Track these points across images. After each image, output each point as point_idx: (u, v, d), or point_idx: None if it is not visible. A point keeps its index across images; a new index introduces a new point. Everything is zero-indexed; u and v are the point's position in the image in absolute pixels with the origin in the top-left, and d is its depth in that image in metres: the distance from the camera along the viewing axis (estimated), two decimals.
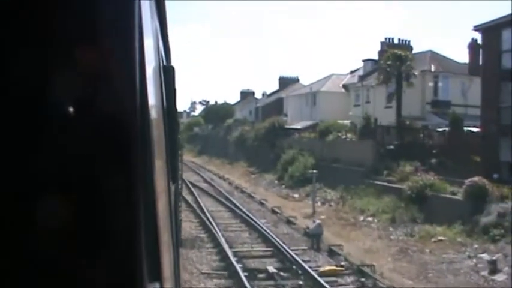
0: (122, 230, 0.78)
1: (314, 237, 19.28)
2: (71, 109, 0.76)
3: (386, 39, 53.16)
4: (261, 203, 30.18)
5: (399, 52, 41.82)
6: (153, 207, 1.10)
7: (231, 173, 47.71)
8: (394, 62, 41.88)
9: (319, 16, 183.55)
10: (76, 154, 0.76)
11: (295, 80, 75.05)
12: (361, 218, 25.46)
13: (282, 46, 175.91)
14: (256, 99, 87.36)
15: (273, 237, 20.31)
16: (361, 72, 54.62)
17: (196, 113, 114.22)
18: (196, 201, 29.71)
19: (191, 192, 33.23)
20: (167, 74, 2.37)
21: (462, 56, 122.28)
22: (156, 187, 1.12)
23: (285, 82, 74.66)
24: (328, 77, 55.20)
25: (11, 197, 0.75)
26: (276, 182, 39.70)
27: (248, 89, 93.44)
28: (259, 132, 49.93)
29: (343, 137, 36.30)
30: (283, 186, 37.64)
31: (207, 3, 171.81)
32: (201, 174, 45.60)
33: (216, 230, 21.52)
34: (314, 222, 19.83)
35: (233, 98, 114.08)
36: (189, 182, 38.79)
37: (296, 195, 33.76)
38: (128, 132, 0.79)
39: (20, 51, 0.77)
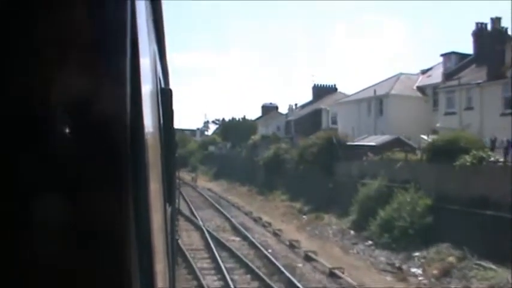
0: (113, 248, 0.75)
1: None
2: (61, 127, 0.72)
3: (478, 24, 36.23)
4: None
5: None
6: (146, 228, 1.01)
7: (267, 210, 30.32)
8: None
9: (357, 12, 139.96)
10: (65, 173, 0.72)
11: (333, 89, 58.08)
12: None
13: (308, 55, 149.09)
14: (280, 113, 70.73)
15: None
16: (439, 70, 37.47)
17: (209, 132, 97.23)
18: None
19: (217, 267, 15.89)
20: (165, 96, 2.32)
21: None
22: (149, 208, 1.06)
23: (321, 92, 57.72)
24: (396, 78, 37.99)
25: (5, 197, 0.72)
26: (353, 232, 22.31)
27: (271, 103, 76.77)
28: (306, 151, 32.65)
29: (491, 159, 18.90)
30: (371, 242, 20.30)
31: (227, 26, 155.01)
32: (224, 212, 28.24)
33: None
34: None
35: (251, 114, 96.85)
36: (208, 231, 21.49)
37: (417, 271, 16.36)
38: (119, 152, 0.75)
39: (14, 58, 0.73)
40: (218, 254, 17.29)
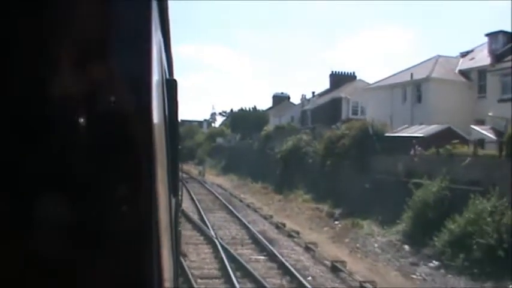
0: (127, 237, 0.75)
1: None
2: (76, 116, 0.72)
3: None
4: None
5: None
6: (155, 218, 0.98)
7: (290, 214, 25.12)
8: None
9: None
10: (81, 160, 0.72)
11: (352, 77, 52.72)
12: None
13: (322, 41, 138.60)
14: (292, 103, 65.65)
15: None
16: (483, 52, 32.07)
17: (217, 124, 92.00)
18: None
19: None
20: (169, 87, 2.26)
21: None
22: (158, 198, 1.04)
23: (339, 80, 52.39)
24: (434, 60, 32.49)
25: (15, 196, 0.72)
26: (407, 248, 17.07)
27: (282, 93, 71.71)
28: (333, 143, 27.41)
29: None
30: (437, 264, 15.08)
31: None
32: (239, 216, 23.00)
33: None
34: None
35: (260, 105, 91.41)
36: (222, 245, 16.26)
37: None
38: (136, 142, 0.75)
39: (30, 54, 0.73)
40: (239, 285, 12.08)
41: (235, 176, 44.90)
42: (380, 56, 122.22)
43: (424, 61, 33.11)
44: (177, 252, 3.45)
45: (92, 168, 0.70)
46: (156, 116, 1.06)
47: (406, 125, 25.81)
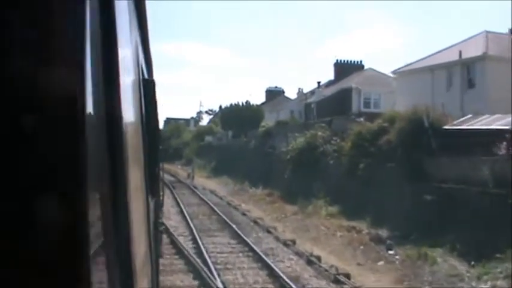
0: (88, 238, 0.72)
1: None
2: (28, 118, 0.68)
3: None
4: None
5: None
6: (124, 219, 0.97)
7: (317, 236, 17.98)
8: None
9: None
10: (35, 164, 0.68)
11: (359, 66, 45.90)
12: None
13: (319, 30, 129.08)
14: (288, 98, 58.90)
15: None
16: None
17: (204, 122, 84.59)
18: None
19: None
20: (147, 87, 2.21)
21: None
22: (128, 198, 1.01)
23: (344, 69, 45.57)
24: (483, 36, 25.54)
25: None
26: None
27: (276, 87, 64.84)
28: (366, 141, 20.46)
29: None
30: None
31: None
32: (249, 242, 15.93)
33: None
34: None
35: (252, 101, 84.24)
36: None
37: None
38: (74, 143, 0.70)
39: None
40: None
41: (229, 179, 37.82)
42: (374, 52, 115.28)
43: (470, 37, 26.20)
44: (157, 252, 3.51)
45: (36, 169, 0.65)
46: (129, 115, 0.96)
47: (469, 115, 18.93)
